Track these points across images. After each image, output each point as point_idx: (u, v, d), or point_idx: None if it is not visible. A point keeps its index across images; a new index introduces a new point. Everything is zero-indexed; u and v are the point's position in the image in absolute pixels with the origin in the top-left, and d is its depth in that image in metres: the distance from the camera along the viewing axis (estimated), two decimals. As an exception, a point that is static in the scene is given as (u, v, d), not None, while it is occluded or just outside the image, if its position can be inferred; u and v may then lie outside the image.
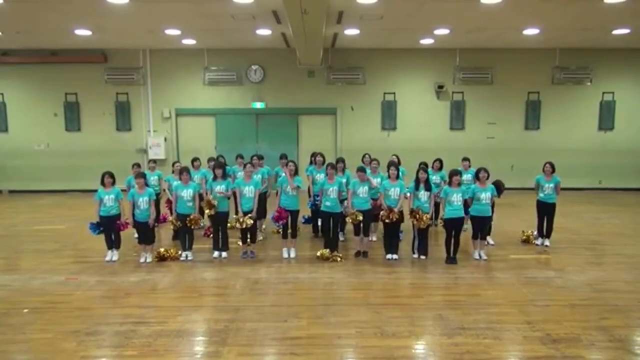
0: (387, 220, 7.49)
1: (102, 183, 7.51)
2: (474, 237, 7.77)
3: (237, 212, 7.91)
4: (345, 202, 7.82)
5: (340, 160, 8.75)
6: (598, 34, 12.32)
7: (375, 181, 8.10)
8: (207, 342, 4.93)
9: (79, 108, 14.78)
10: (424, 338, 5.05)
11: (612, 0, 8.99)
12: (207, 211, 7.70)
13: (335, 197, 7.64)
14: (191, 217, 7.67)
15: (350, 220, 7.65)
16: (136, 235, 8.06)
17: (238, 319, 5.44)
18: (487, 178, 7.67)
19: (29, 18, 10.39)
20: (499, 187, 7.81)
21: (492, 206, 7.94)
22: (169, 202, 8.54)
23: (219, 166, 7.95)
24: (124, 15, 10.10)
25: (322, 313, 5.60)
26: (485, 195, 7.51)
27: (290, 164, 8.01)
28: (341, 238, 8.65)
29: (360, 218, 7.60)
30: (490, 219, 7.79)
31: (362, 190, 7.66)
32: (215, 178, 7.89)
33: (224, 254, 7.86)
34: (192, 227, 7.74)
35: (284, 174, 8.23)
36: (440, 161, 9.38)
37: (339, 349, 4.75)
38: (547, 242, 8.52)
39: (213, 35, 12.39)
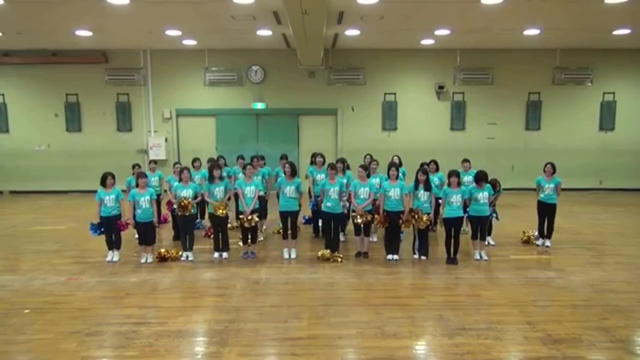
0: (358, 220, 7.59)
1: (104, 184, 7.51)
2: (474, 237, 7.77)
3: (237, 213, 7.91)
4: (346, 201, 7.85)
5: (341, 160, 8.76)
6: (598, 35, 12.32)
7: (374, 181, 8.10)
8: (207, 343, 4.94)
9: (79, 108, 14.80)
10: (424, 338, 5.05)
11: (612, 0, 8.99)
12: (220, 213, 7.63)
13: (336, 198, 7.64)
14: (182, 199, 7.64)
15: (358, 219, 7.62)
16: (136, 236, 8.06)
17: (238, 319, 5.45)
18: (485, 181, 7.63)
19: (30, 19, 10.40)
20: (494, 185, 7.82)
21: (492, 206, 7.95)
22: (170, 203, 8.55)
23: (217, 167, 7.94)
24: (124, 16, 10.10)
25: (322, 313, 5.60)
26: (483, 195, 7.51)
27: (287, 165, 7.89)
28: (342, 238, 8.65)
29: (370, 218, 7.61)
30: (488, 218, 7.80)
31: (363, 191, 7.67)
32: (212, 179, 7.85)
33: (224, 254, 7.86)
34: (184, 212, 7.68)
35: (283, 175, 8.20)
36: (436, 162, 9.19)
37: (339, 350, 4.75)
38: (547, 243, 8.51)
39: (213, 35, 12.39)
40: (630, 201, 13.50)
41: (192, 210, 7.91)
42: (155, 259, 7.67)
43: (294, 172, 7.84)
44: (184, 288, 6.62)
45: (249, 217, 7.62)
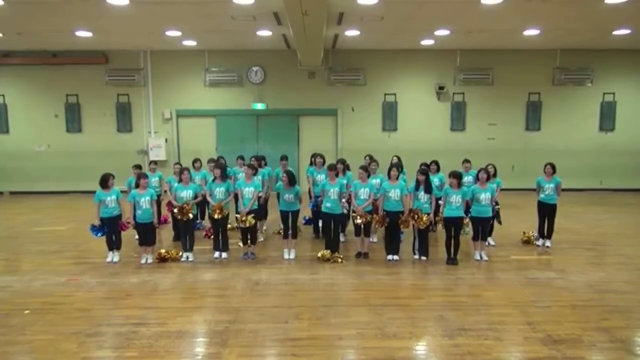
0: (358, 221, 7.58)
1: (106, 185, 7.51)
2: (474, 238, 7.76)
3: (237, 213, 7.91)
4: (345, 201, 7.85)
5: (341, 161, 8.76)
6: (599, 35, 12.32)
7: (375, 181, 8.10)
8: (207, 343, 4.94)
9: (79, 109, 14.80)
10: (424, 339, 5.05)
11: (612, 0, 9.00)
12: (216, 215, 7.66)
13: (336, 198, 7.64)
14: (183, 205, 7.64)
15: (359, 220, 7.61)
16: (137, 236, 8.06)
17: (239, 320, 5.45)
18: (488, 179, 7.67)
19: (30, 19, 10.40)
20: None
21: (495, 204, 7.94)
22: (170, 204, 8.54)
23: (218, 167, 7.95)
24: (124, 17, 10.11)
25: (322, 314, 5.60)
26: (485, 196, 7.50)
27: (284, 175, 7.71)
28: (342, 239, 8.64)
29: (370, 219, 7.61)
30: (489, 219, 7.79)
31: (364, 192, 7.66)
32: (214, 179, 7.89)
33: (224, 254, 7.86)
34: (182, 217, 7.68)
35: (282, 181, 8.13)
36: (437, 163, 9.18)
37: (339, 350, 4.75)
38: (548, 243, 8.50)
39: (213, 36, 12.40)
40: (630, 201, 13.50)
41: (193, 211, 7.91)
42: (155, 259, 7.67)
43: (291, 182, 7.68)
44: (184, 289, 6.62)
45: (244, 218, 7.62)
